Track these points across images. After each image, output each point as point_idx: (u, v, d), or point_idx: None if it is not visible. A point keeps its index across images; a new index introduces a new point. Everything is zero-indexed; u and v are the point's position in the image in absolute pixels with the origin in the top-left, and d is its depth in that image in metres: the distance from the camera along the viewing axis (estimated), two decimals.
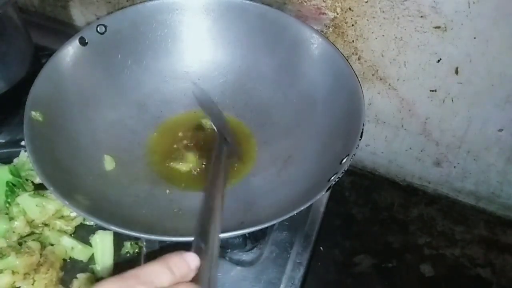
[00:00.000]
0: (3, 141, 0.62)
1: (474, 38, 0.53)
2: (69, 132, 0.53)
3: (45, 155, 0.48)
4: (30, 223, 0.53)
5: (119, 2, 0.72)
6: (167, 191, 0.54)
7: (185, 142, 0.59)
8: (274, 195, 0.51)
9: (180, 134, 0.60)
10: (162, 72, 0.62)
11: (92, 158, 0.53)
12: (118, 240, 0.53)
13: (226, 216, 0.51)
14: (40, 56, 0.67)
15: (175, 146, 0.59)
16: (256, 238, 0.55)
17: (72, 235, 0.54)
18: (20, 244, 0.52)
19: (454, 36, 0.54)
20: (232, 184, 0.55)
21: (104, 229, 0.53)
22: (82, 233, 0.54)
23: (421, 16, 0.53)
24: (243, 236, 0.54)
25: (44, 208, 0.53)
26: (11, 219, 0.53)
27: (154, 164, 0.57)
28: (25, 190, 0.55)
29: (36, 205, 0.53)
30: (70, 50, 0.56)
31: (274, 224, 0.56)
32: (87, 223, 0.55)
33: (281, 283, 0.52)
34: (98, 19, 0.60)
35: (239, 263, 0.53)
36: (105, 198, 0.50)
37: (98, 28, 0.57)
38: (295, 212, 0.43)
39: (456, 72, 0.57)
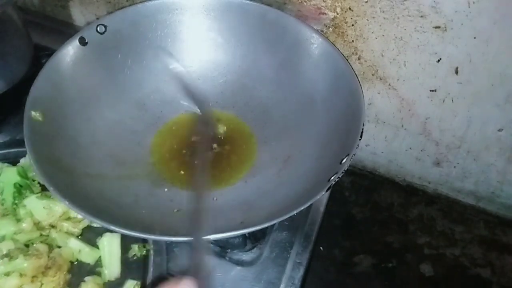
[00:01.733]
0: (7, 139, 0.62)
1: (474, 38, 0.53)
2: (69, 132, 0.53)
3: (45, 155, 0.48)
4: (37, 224, 0.53)
5: (119, 2, 0.72)
6: (165, 189, 0.54)
7: (185, 142, 0.59)
8: (274, 195, 0.51)
9: (180, 134, 0.60)
10: (162, 72, 0.62)
11: (92, 158, 0.53)
12: (126, 242, 0.53)
13: (226, 216, 0.51)
14: (40, 56, 0.67)
15: (175, 146, 0.59)
16: (256, 238, 0.55)
17: (80, 237, 0.54)
18: (27, 246, 0.51)
19: (454, 36, 0.54)
20: (232, 184, 0.55)
21: (112, 231, 0.52)
22: (90, 235, 0.54)
23: (421, 16, 0.53)
24: (243, 236, 0.54)
25: (51, 210, 0.53)
26: (18, 220, 0.52)
27: (154, 164, 0.57)
28: (32, 192, 0.55)
29: (43, 207, 0.52)
30: (70, 50, 0.56)
31: (274, 224, 0.56)
32: (95, 225, 0.55)
33: (281, 283, 0.52)
34: (98, 19, 0.60)
35: (239, 263, 0.53)
36: (105, 198, 0.49)
37: (98, 28, 0.57)
38: (295, 212, 0.42)
39: (456, 72, 0.57)
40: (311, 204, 0.43)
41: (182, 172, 0.56)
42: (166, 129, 0.60)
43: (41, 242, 0.52)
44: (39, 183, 0.56)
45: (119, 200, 0.51)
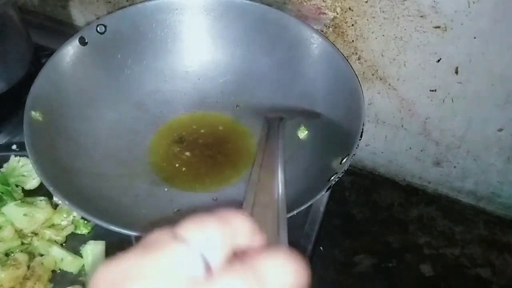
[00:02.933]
0: None
1: (474, 38, 0.53)
2: (69, 132, 0.53)
3: (45, 155, 0.48)
4: (18, 232, 0.51)
5: (119, 2, 0.72)
6: (165, 189, 0.54)
7: (185, 142, 0.59)
8: None
9: (180, 133, 0.60)
10: (162, 72, 0.62)
11: (92, 158, 0.53)
12: (110, 250, 0.51)
13: None
14: (40, 56, 0.67)
15: (175, 146, 0.59)
16: None
17: (63, 244, 0.52)
18: (7, 255, 0.50)
19: (454, 36, 0.54)
20: (232, 184, 0.55)
21: (96, 239, 0.52)
22: (73, 243, 0.52)
23: (421, 16, 0.53)
24: None
25: (33, 217, 0.51)
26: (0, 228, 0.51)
27: (154, 164, 0.57)
28: (13, 198, 0.53)
29: (24, 214, 0.51)
30: (70, 50, 0.56)
31: None
32: (78, 232, 0.53)
33: None
34: (98, 19, 0.60)
35: None
36: (105, 198, 0.50)
37: (98, 28, 0.57)
38: (295, 212, 0.42)
39: (456, 72, 0.57)
40: (311, 204, 0.43)
41: (181, 172, 0.56)
42: (166, 129, 0.60)
43: (22, 251, 0.50)
44: (22, 188, 0.55)
45: (119, 200, 0.51)
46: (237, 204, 0.51)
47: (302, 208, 0.43)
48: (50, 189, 0.44)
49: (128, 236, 0.49)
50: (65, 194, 0.44)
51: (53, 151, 0.50)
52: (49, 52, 0.57)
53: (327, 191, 0.44)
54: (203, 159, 0.58)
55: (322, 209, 0.59)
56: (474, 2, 0.50)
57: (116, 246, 0.51)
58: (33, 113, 0.50)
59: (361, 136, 0.48)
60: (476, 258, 0.65)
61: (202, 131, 0.60)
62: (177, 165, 0.57)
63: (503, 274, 0.64)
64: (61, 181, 0.46)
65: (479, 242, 0.67)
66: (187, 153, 0.58)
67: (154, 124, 0.60)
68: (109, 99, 0.59)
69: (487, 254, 0.65)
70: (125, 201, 0.51)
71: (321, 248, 0.64)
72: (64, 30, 0.77)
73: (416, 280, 0.64)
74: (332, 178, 0.45)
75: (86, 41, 0.56)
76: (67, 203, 0.43)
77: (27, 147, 0.47)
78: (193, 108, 0.62)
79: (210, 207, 0.52)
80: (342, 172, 0.45)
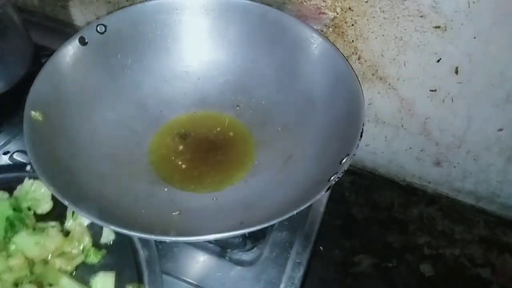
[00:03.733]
0: (6, 164, 0.59)
1: (474, 38, 0.53)
2: (69, 132, 0.53)
3: (45, 155, 0.48)
4: (28, 260, 0.50)
5: (119, 2, 0.72)
6: (165, 189, 0.54)
7: (185, 142, 0.59)
8: (274, 194, 0.51)
9: (180, 133, 0.60)
10: (162, 72, 0.62)
11: (92, 158, 0.53)
12: (119, 282, 0.50)
13: (226, 216, 0.51)
14: (40, 56, 0.67)
15: (175, 145, 0.59)
16: (256, 238, 0.55)
17: (73, 273, 0.50)
18: (16, 285, 0.48)
19: (454, 36, 0.54)
20: (232, 184, 0.55)
21: (106, 269, 0.50)
22: (83, 273, 0.50)
23: (421, 16, 0.53)
24: (243, 235, 0.54)
25: (44, 246, 0.50)
26: (9, 256, 0.49)
27: (154, 164, 0.57)
28: (25, 225, 0.51)
29: (36, 243, 0.49)
30: (70, 50, 0.56)
31: (274, 224, 0.56)
32: (89, 261, 0.51)
33: (281, 283, 0.52)
34: (98, 18, 0.60)
35: (239, 263, 0.53)
36: (105, 198, 0.49)
37: (98, 28, 0.57)
38: (295, 212, 0.42)
39: (456, 72, 0.57)
40: (311, 204, 0.43)
41: (181, 172, 0.56)
42: (166, 129, 0.61)
43: (31, 281, 0.48)
44: (34, 213, 0.53)
45: (119, 200, 0.50)
46: (235, 205, 0.52)
47: (302, 208, 0.43)
48: (50, 189, 0.44)
49: (138, 267, 0.50)
50: (65, 194, 0.44)
51: (53, 151, 0.50)
52: (49, 52, 0.57)
53: (327, 191, 0.44)
54: (202, 159, 0.58)
55: (322, 209, 0.59)
56: (474, 2, 0.50)
57: (126, 277, 0.50)
58: (33, 113, 0.50)
59: (361, 136, 0.48)
60: (476, 258, 0.65)
61: (202, 130, 0.60)
62: (177, 165, 0.57)
63: (503, 274, 0.64)
64: (61, 181, 0.46)
65: (479, 242, 0.67)
66: (187, 153, 0.58)
67: (154, 124, 0.60)
68: (109, 99, 0.59)
69: (487, 254, 0.66)
70: (125, 201, 0.51)
71: (321, 248, 0.64)
72: (64, 30, 0.77)
73: (416, 280, 0.64)
74: (332, 178, 0.45)
75: (86, 41, 0.56)
76: (67, 203, 0.43)
77: (27, 147, 0.47)
78: (193, 108, 0.62)
79: (210, 207, 0.53)
80: (342, 172, 0.45)
